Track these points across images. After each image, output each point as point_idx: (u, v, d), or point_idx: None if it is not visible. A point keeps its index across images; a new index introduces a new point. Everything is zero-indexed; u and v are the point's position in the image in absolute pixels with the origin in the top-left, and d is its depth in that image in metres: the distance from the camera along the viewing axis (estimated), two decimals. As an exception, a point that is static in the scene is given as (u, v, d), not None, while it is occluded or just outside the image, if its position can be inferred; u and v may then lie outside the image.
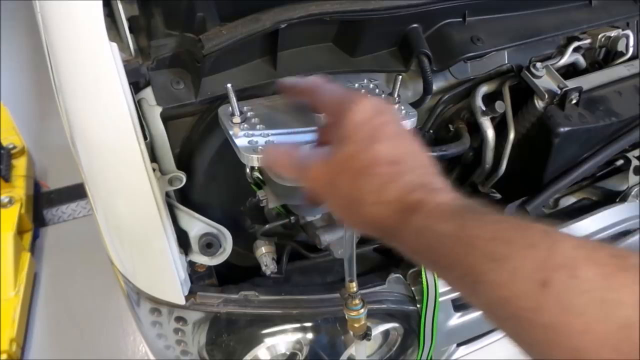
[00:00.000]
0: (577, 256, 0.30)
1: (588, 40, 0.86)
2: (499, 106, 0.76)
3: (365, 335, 0.64)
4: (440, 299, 0.75)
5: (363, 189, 0.41)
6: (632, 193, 0.88)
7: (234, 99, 0.57)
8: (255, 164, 0.55)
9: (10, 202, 1.89)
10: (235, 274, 0.75)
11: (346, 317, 0.62)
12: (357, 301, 0.60)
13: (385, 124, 0.44)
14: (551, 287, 0.29)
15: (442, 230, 0.36)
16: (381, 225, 0.41)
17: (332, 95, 0.49)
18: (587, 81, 0.80)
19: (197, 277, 0.70)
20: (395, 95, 0.64)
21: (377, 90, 0.68)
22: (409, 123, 0.62)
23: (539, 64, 0.76)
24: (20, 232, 1.88)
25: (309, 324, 0.73)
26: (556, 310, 0.29)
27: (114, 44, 0.53)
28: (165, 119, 0.65)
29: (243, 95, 0.65)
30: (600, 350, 0.28)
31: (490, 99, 0.78)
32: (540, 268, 0.30)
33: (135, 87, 0.63)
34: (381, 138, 0.43)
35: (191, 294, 0.66)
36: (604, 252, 0.31)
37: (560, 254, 0.31)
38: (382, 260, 0.82)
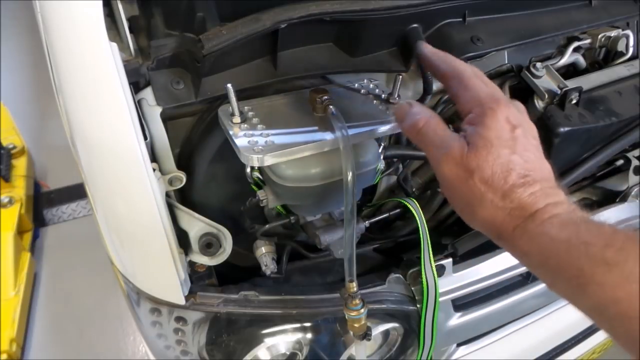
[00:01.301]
0: None
1: (588, 40, 0.86)
2: (499, 106, 0.76)
3: (365, 335, 0.63)
4: (440, 299, 0.75)
5: (487, 191, 0.45)
6: (632, 193, 0.88)
7: (234, 99, 0.57)
8: (256, 164, 0.55)
9: (10, 202, 1.89)
10: (235, 274, 0.75)
11: (346, 317, 0.62)
12: (357, 301, 0.60)
13: (522, 136, 0.47)
14: None
15: (557, 236, 0.40)
16: (496, 228, 0.45)
17: (479, 92, 0.50)
18: (587, 81, 0.80)
19: (197, 277, 0.70)
20: (396, 95, 0.64)
21: (377, 90, 0.68)
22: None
23: (539, 64, 0.76)
24: (20, 232, 1.88)
25: (309, 324, 0.72)
26: None
27: (114, 44, 0.53)
28: (165, 119, 0.65)
29: (243, 95, 0.65)
30: None
31: (490, 99, 0.78)
32: None
33: (135, 87, 0.63)
34: (518, 149, 0.46)
35: (191, 294, 0.66)
36: None
37: None
38: (382, 260, 0.82)
